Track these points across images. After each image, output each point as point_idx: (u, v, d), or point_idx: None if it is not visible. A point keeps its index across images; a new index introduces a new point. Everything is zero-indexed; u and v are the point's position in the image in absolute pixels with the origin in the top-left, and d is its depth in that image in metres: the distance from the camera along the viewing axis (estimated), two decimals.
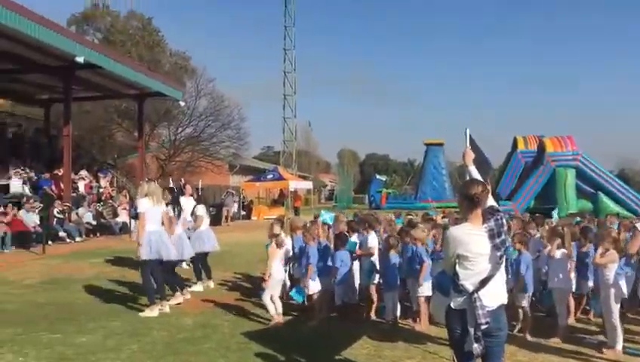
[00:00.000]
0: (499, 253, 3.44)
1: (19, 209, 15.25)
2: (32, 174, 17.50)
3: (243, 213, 31.47)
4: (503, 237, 3.46)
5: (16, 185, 16.45)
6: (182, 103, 26.03)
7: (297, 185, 34.18)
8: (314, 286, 7.07)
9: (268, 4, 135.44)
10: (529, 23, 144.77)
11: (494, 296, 3.43)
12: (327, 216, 8.08)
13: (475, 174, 3.98)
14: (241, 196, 32.92)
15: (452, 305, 3.47)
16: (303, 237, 7.38)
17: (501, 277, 3.51)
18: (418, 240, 6.78)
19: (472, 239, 3.42)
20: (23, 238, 14.61)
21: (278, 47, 53.56)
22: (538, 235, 8.27)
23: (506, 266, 4.78)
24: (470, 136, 4.55)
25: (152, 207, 7.44)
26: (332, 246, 7.56)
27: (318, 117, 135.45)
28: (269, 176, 32.81)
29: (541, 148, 31.22)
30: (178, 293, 8.20)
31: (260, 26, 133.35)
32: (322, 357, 5.87)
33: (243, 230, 22.13)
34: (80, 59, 15.59)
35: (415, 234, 6.82)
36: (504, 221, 3.52)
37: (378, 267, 7.28)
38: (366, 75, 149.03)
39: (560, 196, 29.36)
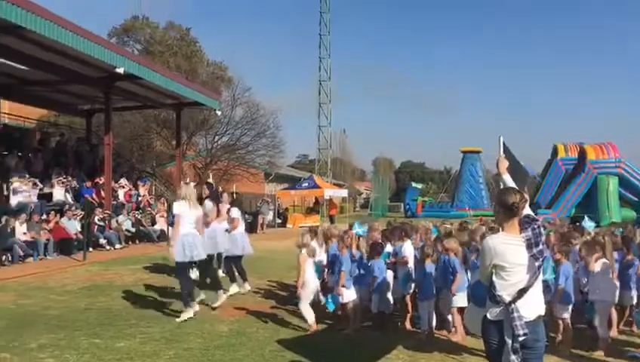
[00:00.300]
0: (537, 263, 3.36)
1: (61, 216, 15.66)
2: (74, 182, 17.93)
3: (278, 220, 31.63)
4: (541, 247, 3.38)
5: (59, 193, 16.88)
6: (218, 112, 26.36)
7: (332, 193, 34.20)
8: (348, 294, 7.04)
9: (303, 14, 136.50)
10: (568, 29, 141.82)
11: (532, 306, 3.35)
12: (359, 229, 8.03)
13: (510, 182, 3.91)
14: (277, 204, 33.11)
15: (489, 315, 3.40)
16: (337, 246, 7.36)
17: (539, 287, 3.43)
18: (451, 250, 6.68)
19: (509, 249, 3.36)
20: (65, 245, 14.99)
21: (314, 55, 53.88)
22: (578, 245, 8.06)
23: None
24: (504, 143, 4.48)
25: (187, 210, 7.54)
26: (366, 255, 7.53)
27: (353, 125, 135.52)
28: (305, 185, 32.93)
29: (582, 155, 30.53)
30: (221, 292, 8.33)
31: (296, 35, 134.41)
32: None
33: (278, 238, 22.21)
34: (120, 70, 15.96)
35: (447, 244, 6.73)
36: (542, 230, 3.45)
37: (413, 276, 7.21)
38: (402, 82, 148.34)
39: (602, 204, 28.62)
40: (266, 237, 22.95)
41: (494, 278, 3.39)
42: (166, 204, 21.07)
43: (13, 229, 13.36)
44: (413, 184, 51.52)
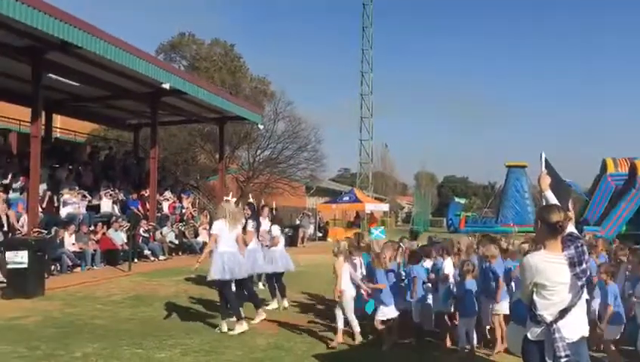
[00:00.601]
0: (580, 283, 3.27)
1: (108, 228, 16.12)
2: (121, 195, 18.44)
3: (319, 234, 31.67)
4: (584, 266, 3.29)
5: (106, 205, 17.39)
6: (260, 126, 26.71)
7: (373, 207, 34.05)
8: (387, 311, 6.97)
9: (346, 28, 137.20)
10: (617, 43, 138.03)
11: (575, 327, 3.26)
12: (377, 232, 8.00)
13: (552, 199, 3.83)
14: (318, 218, 33.17)
15: (529, 335, 3.32)
16: (371, 262, 7.34)
17: (582, 307, 3.33)
18: (491, 257, 6.56)
19: (551, 267, 3.28)
20: (111, 256, 15.41)
21: (356, 70, 54.07)
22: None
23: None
24: (546, 160, 4.40)
25: (225, 229, 7.64)
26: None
27: (395, 138, 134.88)
28: (345, 198, 32.89)
29: (633, 170, 29.53)
30: (261, 310, 8.38)
31: (338, 49, 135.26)
32: None
33: (318, 251, 22.19)
34: (166, 86, 16.42)
35: (487, 251, 6.61)
36: (585, 249, 3.36)
37: (452, 290, 7.11)
38: (446, 95, 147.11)
39: None
40: (306, 250, 22.99)
41: (535, 297, 3.31)
42: (209, 217, 21.44)
43: (62, 240, 13.82)
44: (456, 199, 50.84)
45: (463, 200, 51.95)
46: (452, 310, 7.22)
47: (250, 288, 8.68)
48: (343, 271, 7.00)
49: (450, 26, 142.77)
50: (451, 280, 7.20)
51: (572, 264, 3.28)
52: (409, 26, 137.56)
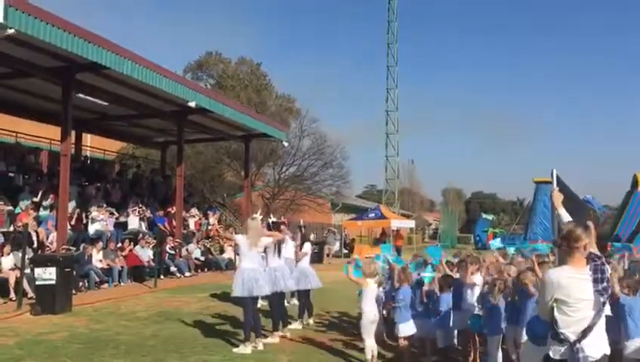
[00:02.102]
0: (602, 300, 3.20)
1: (135, 244, 16.33)
2: (149, 212, 18.70)
3: (345, 251, 31.55)
4: (606, 284, 3.22)
5: (133, 221, 17.63)
6: (285, 143, 26.88)
7: (399, 223, 33.82)
8: (405, 329, 6.87)
9: (371, 44, 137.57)
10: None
11: (597, 345, 3.19)
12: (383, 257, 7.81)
13: (566, 216, 3.77)
14: (343, 234, 33.07)
15: (552, 354, 3.24)
16: (396, 278, 7.27)
17: (603, 325, 3.25)
18: (527, 283, 6.42)
19: (573, 283, 3.21)
20: (137, 272, 15.59)
21: (382, 86, 54.16)
22: None
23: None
24: (557, 176, 4.34)
25: (246, 244, 7.66)
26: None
27: (422, 154, 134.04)
28: (371, 215, 32.75)
29: None
30: (277, 332, 8.34)
31: (363, 66, 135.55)
32: None
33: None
34: (192, 104, 16.68)
35: (524, 277, 6.46)
36: (607, 267, 3.28)
37: (477, 312, 6.98)
38: (472, 112, 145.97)
39: None
40: (332, 267, 22.90)
41: (557, 314, 3.24)
42: (234, 234, 21.55)
43: (90, 256, 14.03)
44: (484, 215, 50.21)
45: (490, 217, 51.25)
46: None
47: (277, 306, 8.60)
48: (370, 292, 6.90)
49: (477, 41, 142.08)
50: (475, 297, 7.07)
51: (595, 280, 3.22)
52: (434, 41, 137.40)
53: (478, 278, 7.37)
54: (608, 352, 3.26)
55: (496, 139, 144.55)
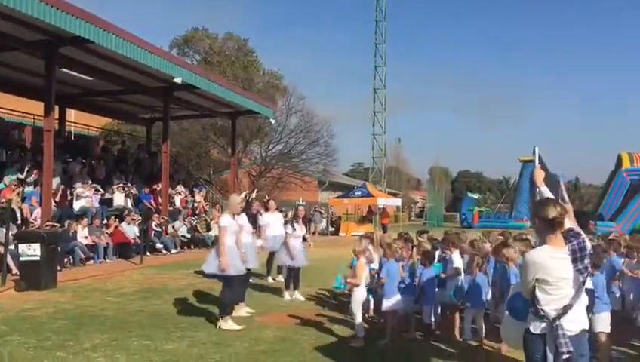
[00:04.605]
0: (581, 278, 3.26)
1: (121, 221, 16.27)
2: (134, 189, 18.60)
3: (331, 229, 31.70)
4: (586, 262, 3.27)
5: (119, 198, 17.55)
6: (273, 121, 26.77)
7: (386, 202, 33.98)
8: (389, 304, 6.95)
9: (359, 21, 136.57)
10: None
11: (576, 321, 3.26)
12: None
13: (548, 193, 3.81)
14: (330, 212, 33.18)
15: (532, 329, 3.31)
16: (383, 253, 7.32)
17: (583, 301, 3.31)
18: (510, 260, 6.51)
19: (554, 263, 3.26)
20: (123, 249, 15.57)
21: (369, 64, 53.89)
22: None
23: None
24: (539, 154, 4.38)
25: (232, 222, 7.64)
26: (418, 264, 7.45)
27: (409, 133, 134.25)
28: (358, 193, 32.86)
29: None
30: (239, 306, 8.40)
31: (351, 43, 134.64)
32: None
33: (330, 246, 22.25)
34: (178, 80, 16.51)
35: (507, 253, 6.55)
36: (587, 244, 3.33)
37: (460, 285, 7.07)
38: (460, 91, 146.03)
39: None
40: (318, 244, 23.01)
41: (538, 293, 3.29)
42: (221, 211, 21.56)
43: (75, 233, 13.98)
44: (470, 194, 50.63)
45: (476, 195, 51.74)
46: (460, 304, 7.20)
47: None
48: (363, 273, 6.94)
49: (464, 20, 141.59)
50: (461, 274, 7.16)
51: (574, 259, 3.26)
52: (422, 19, 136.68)
53: (456, 256, 7.47)
54: (587, 327, 3.33)
55: (484, 118, 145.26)
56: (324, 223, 30.72)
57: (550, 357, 3.18)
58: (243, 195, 8.22)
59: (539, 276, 3.27)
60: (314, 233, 27.09)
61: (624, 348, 6.59)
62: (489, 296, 7.08)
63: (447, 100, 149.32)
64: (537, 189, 3.91)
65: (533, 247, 6.71)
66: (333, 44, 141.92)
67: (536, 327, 3.29)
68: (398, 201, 38.43)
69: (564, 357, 3.14)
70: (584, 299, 3.33)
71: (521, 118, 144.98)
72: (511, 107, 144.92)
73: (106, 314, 8.32)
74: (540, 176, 3.96)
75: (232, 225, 7.58)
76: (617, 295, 6.92)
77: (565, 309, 3.23)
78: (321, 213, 30.34)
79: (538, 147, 4.44)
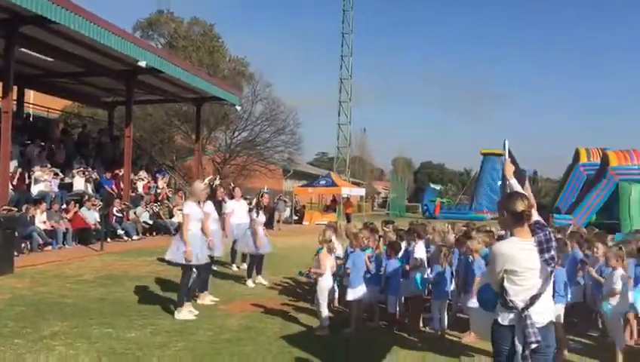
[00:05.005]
0: (549, 269, 3.34)
1: (81, 206, 15.90)
2: (95, 173, 18.18)
3: (295, 217, 31.69)
4: (552, 252, 3.36)
5: (79, 183, 17.13)
6: (238, 108, 26.48)
7: (350, 191, 34.15)
8: (352, 293, 7.00)
9: (327, 12, 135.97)
10: (598, 34, 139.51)
11: (544, 312, 3.34)
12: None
13: (517, 186, 3.89)
14: (294, 201, 33.16)
15: (500, 320, 3.37)
16: (349, 243, 7.37)
17: (550, 293, 3.41)
18: (475, 252, 6.62)
19: (522, 254, 3.33)
20: (83, 235, 15.23)
21: (336, 53, 53.91)
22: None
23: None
24: (509, 148, 4.45)
25: (197, 210, 7.56)
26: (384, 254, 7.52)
27: (373, 124, 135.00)
28: (322, 182, 32.93)
29: (604, 161, 30.04)
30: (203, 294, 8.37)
31: (318, 32, 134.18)
32: None
33: (294, 234, 22.30)
34: (142, 64, 16.16)
35: (471, 245, 6.67)
36: (552, 236, 3.42)
37: (426, 276, 7.17)
38: (425, 83, 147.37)
39: (623, 211, 28.13)
40: (282, 233, 23.04)
41: (506, 284, 3.36)
42: (184, 198, 21.30)
43: (33, 218, 13.60)
44: (432, 185, 51.29)
45: (438, 187, 52.44)
46: (425, 293, 7.32)
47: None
48: (327, 263, 6.94)
49: (431, 13, 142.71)
50: (425, 263, 7.27)
51: (541, 250, 3.33)
52: (389, 10, 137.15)
53: (419, 246, 7.58)
54: (554, 319, 3.41)
55: (448, 111, 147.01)
56: (288, 212, 30.69)
57: (519, 347, 3.25)
58: (207, 181, 8.05)
59: (507, 267, 3.34)
60: (278, 221, 27.04)
61: (582, 339, 6.82)
62: (452, 287, 7.23)
63: (413, 92, 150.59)
64: (507, 182, 3.98)
65: (498, 239, 6.92)
66: (301, 33, 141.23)
67: (505, 318, 3.35)
68: (362, 191, 38.67)
69: (533, 346, 3.21)
70: (550, 290, 3.41)
71: (483, 112, 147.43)
72: (474, 101, 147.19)
73: (65, 301, 8.14)
74: (509, 169, 4.04)
75: (195, 213, 7.48)
76: (581, 283, 7.14)
77: (533, 299, 3.30)
78: (285, 201, 30.27)
79: (508, 141, 4.51)
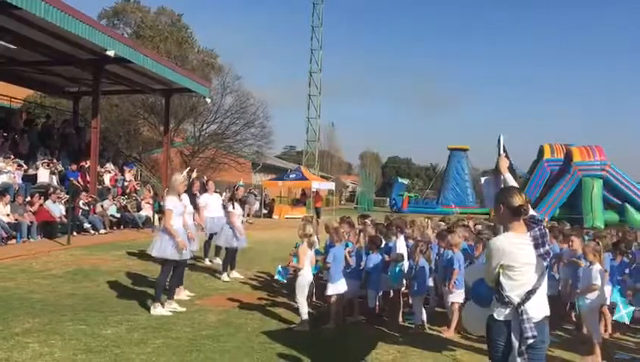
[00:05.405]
0: (545, 263, 3.35)
1: (45, 199, 15.42)
2: (60, 165, 17.66)
3: (264, 211, 31.50)
4: (547, 247, 3.36)
5: (43, 175, 16.63)
6: (208, 100, 26.11)
7: (320, 185, 34.11)
8: (333, 288, 6.95)
9: (297, 5, 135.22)
10: (566, 28, 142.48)
11: (539, 307, 3.34)
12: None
13: (512, 181, 3.89)
14: (263, 194, 32.95)
15: (495, 315, 3.35)
16: (329, 237, 7.30)
17: (545, 287, 3.40)
18: (455, 246, 6.63)
19: (518, 248, 3.32)
20: (48, 228, 14.76)
21: (306, 47, 53.71)
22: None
23: None
24: (503, 143, 4.44)
25: (178, 203, 7.39)
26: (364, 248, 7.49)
27: (341, 118, 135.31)
28: (292, 176, 32.80)
29: (568, 157, 30.80)
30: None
31: (289, 26, 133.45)
32: (347, 360, 5.82)
33: (265, 228, 22.16)
34: (110, 53, 15.72)
35: (452, 239, 6.68)
36: (546, 231, 3.42)
37: (406, 271, 7.17)
38: (391, 78, 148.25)
39: (586, 206, 28.92)
40: (253, 227, 22.84)
41: (502, 279, 3.34)
42: (152, 191, 20.89)
43: None
44: (400, 179, 51.66)
45: (406, 181, 52.86)
46: (404, 288, 7.32)
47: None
48: (306, 258, 6.84)
49: (401, 9, 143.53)
50: (405, 258, 7.26)
51: (537, 245, 3.33)
52: (359, 5, 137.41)
53: (400, 241, 7.58)
54: (548, 314, 3.41)
55: (414, 106, 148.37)
56: (257, 205, 30.47)
57: (515, 342, 3.24)
58: (185, 174, 7.86)
59: (503, 262, 3.32)
60: (249, 215, 26.82)
61: (558, 332, 6.93)
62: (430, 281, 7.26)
63: (379, 87, 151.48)
64: (502, 177, 3.97)
65: (477, 234, 6.96)
66: (270, 26, 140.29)
67: (500, 314, 3.33)
68: (331, 185, 38.67)
69: (529, 341, 3.21)
70: (545, 285, 3.41)
71: (449, 108, 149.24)
72: (440, 97, 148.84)
73: (34, 296, 7.86)
74: (504, 164, 4.03)
75: (177, 207, 7.31)
76: (557, 277, 7.25)
77: (529, 294, 3.29)
78: (255, 194, 30.05)
79: (502, 136, 4.49)
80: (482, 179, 4.83)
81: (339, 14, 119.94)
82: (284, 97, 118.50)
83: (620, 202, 29.90)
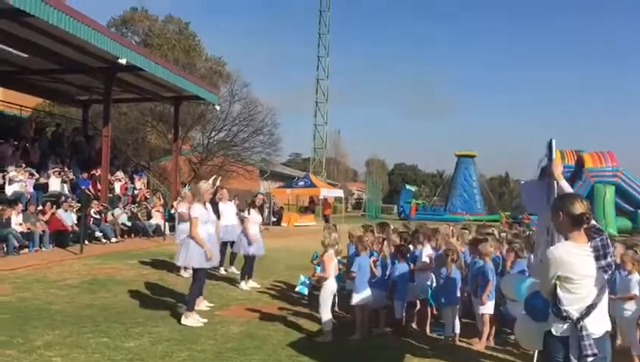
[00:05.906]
0: (605, 276, 3.15)
1: (57, 208, 15.31)
2: (71, 174, 17.58)
3: (273, 219, 31.34)
4: (609, 259, 3.16)
5: (55, 183, 16.54)
6: (217, 107, 26.04)
7: (328, 193, 33.98)
8: (358, 297, 6.79)
9: (304, 13, 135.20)
10: (575, 33, 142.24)
11: (600, 322, 3.14)
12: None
13: (568, 188, 3.71)
14: (272, 202, 32.81)
15: (553, 331, 3.16)
16: (354, 247, 7.14)
17: (606, 301, 3.22)
18: (486, 256, 6.45)
19: (577, 259, 3.12)
20: (60, 237, 14.65)
21: (313, 54, 53.70)
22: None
23: None
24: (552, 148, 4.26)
25: (205, 212, 7.25)
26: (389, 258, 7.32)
27: (347, 125, 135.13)
28: (301, 183, 32.70)
29: (580, 163, 30.52)
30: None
31: (296, 33, 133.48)
32: None
33: (275, 236, 21.99)
34: (122, 61, 15.66)
35: (483, 249, 6.50)
36: (609, 242, 3.22)
37: (434, 280, 7.00)
38: (398, 84, 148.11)
39: (598, 213, 28.57)
40: (264, 235, 22.63)
41: (560, 291, 3.15)
42: (162, 199, 20.77)
43: (9, 219, 13.04)
44: (408, 186, 51.47)
45: (413, 188, 52.67)
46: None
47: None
48: (331, 266, 6.68)
49: (406, 14, 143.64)
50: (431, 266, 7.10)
51: (597, 257, 3.14)
52: (366, 13, 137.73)
53: (428, 249, 7.41)
54: (610, 329, 3.23)
55: (421, 112, 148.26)
56: (266, 213, 30.31)
57: (573, 360, 3.06)
58: (210, 182, 7.74)
59: (561, 273, 3.13)
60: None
61: None
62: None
63: (386, 93, 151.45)
64: (556, 183, 3.81)
65: (509, 243, 6.78)
66: (277, 33, 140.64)
67: (558, 329, 3.14)
68: (340, 192, 38.53)
69: (589, 359, 3.02)
70: (606, 299, 3.23)
71: (454, 114, 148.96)
72: (447, 102, 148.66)
73: (53, 307, 7.71)
74: (558, 170, 3.87)
75: (203, 215, 7.16)
76: None
77: (589, 309, 3.10)
78: (265, 202, 29.89)
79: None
80: (522, 182, 4.67)
81: (347, 20, 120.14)
82: (289, 104, 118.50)
83: (632, 209, 29.60)
